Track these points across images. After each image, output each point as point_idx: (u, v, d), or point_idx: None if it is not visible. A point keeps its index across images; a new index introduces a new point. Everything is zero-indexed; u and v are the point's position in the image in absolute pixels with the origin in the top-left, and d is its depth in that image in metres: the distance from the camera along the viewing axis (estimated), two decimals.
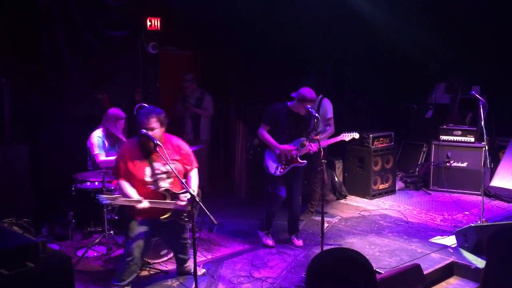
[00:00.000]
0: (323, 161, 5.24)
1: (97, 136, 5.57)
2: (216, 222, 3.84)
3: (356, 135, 6.14)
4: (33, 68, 6.01)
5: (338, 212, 7.17)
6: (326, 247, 5.50)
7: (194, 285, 3.90)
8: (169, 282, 4.89)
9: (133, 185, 4.30)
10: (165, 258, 5.27)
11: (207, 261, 5.41)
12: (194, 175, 4.56)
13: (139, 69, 7.30)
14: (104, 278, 4.84)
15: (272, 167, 5.67)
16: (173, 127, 7.57)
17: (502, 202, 7.61)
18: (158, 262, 5.21)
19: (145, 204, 4.15)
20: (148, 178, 4.27)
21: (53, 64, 6.15)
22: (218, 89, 7.99)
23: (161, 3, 7.20)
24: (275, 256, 5.60)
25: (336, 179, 7.92)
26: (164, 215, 4.31)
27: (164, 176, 4.32)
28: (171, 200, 4.30)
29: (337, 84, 8.20)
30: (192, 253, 4.14)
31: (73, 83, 6.31)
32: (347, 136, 6.09)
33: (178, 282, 4.88)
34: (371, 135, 7.81)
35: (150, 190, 4.28)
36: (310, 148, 5.64)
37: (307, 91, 5.50)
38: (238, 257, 5.58)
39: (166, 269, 5.11)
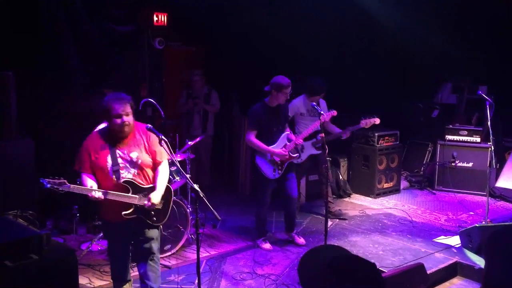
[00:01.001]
0: (327, 159, 5.22)
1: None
2: (219, 218, 3.81)
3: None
4: (37, 63, 6.02)
5: (342, 210, 7.16)
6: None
7: (197, 281, 3.90)
8: (172, 277, 4.90)
9: (98, 178, 3.86)
10: (169, 253, 5.28)
11: (210, 257, 5.42)
12: (163, 169, 4.04)
13: (145, 64, 7.31)
14: (108, 272, 4.85)
15: (269, 171, 5.56)
16: (179, 122, 7.65)
17: (507, 203, 7.57)
18: (162, 257, 5.21)
19: (98, 194, 3.68)
20: (109, 167, 3.82)
21: (57, 59, 6.16)
22: (222, 85, 7.99)
23: None
24: (278, 253, 5.60)
25: (341, 177, 7.91)
26: (126, 210, 3.83)
27: (127, 165, 3.87)
28: (132, 193, 3.82)
29: (341, 83, 8.18)
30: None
31: (79, 78, 6.32)
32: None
33: (181, 277, 4.89)
34: (376, 134, 7.79)
35: (113, 183, 3.82)
36: (297, 142, 5.63)
37: (281, 78, 5.43)
38: (241, 253, 5.59)
39: (169, 264, 5.13)
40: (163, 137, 3.81)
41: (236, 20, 7.47)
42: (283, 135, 5.63)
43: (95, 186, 3.78)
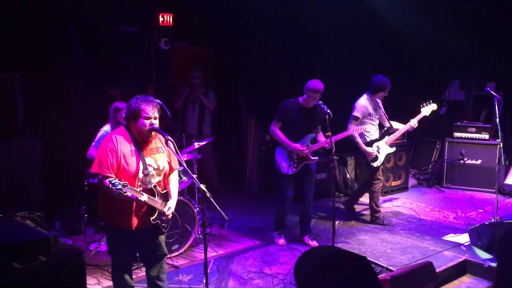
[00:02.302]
0: (334, 157, 5.20)
1: (103, 130, 5.53)
2: (227, 218, 3.81)
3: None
4: (45, 63, 6.03)
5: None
6: (337, 244, 5.49)
7: (205, 280, 3.90)
8: (179, 277, 4.90)
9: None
10: (176, 253, 5.29)
11: (218, 257, 5.41)
12: (175, 178, 4.06)
13: (151, 65, 7.31)
14: None
15: (284, 166, 5.61)
16: (175, 121, 7.62)
17: None
18: (169, 257, 5.22)
19: (145, 197, 3.67)
20: (141, 174, 3.75)
21: (64, 59, 6.18)
22: (229, 84, 7.98)
23: None
24: (286, 252, 5.59)
25: (348, 175, 7.88)
26: (153, 215, 3.79)
27: (154, 173, 3.83)
28: (156, 198, 3.82)
29: (349, 80, 8.15)
30: None
31: (85, 79, 6.33)
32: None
33: (188, 277, 4.89)
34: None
35: (142, 188, 3.75)
36: (326, 145, 5.57)
37: (316, 82, 5.48)
38: (249, 253, 5.58)
39: (177, 264, 5.13)
40: (169, 137, 3.81)
41: (243, 19, 7.45)
42: (308, 135, 5.64)
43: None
